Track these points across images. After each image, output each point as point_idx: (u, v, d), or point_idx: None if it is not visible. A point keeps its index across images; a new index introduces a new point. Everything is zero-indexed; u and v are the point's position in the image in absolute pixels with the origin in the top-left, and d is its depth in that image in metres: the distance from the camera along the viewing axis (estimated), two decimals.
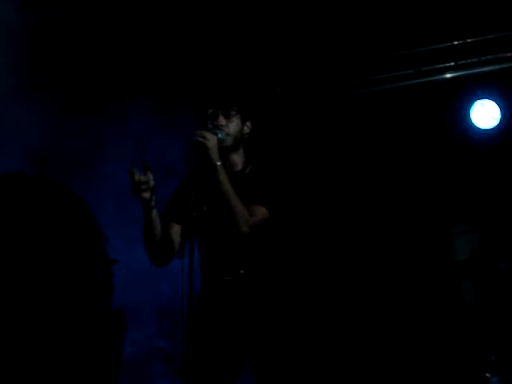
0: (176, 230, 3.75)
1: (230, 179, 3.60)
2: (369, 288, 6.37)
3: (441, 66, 6.05)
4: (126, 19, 5.59)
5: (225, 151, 3.73)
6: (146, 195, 3.49)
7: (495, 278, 6.12)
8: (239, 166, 3.83)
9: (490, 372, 5.49)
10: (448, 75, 6.07)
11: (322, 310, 6.38)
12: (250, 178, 3.78)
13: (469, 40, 5.85)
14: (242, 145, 3.84)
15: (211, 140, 3.54)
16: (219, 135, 3.64)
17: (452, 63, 6.01)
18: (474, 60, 5.95)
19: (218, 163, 3.54)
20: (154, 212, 3.57)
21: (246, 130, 3.82)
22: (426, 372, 6.06)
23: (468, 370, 5.87)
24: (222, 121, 3.73)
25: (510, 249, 6.10)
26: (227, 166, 3.73)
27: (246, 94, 3.94)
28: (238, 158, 3.83)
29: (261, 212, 3.66)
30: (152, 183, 3.50)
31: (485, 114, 6.01)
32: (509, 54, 5.81)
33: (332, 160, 6.51)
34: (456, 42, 5.90)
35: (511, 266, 6.06)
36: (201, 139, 3.52)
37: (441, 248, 6.33)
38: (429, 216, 6.35)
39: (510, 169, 6.10)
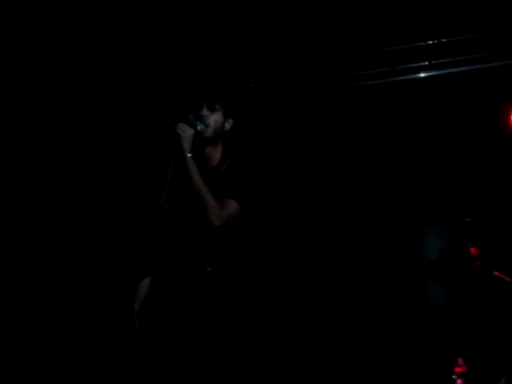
0: None
1: (204, 173, 3.62)
2: (336, 286, 6.35)
3: (415, 65, 6.03)
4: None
5: (203, 143, 3.76)
6: None
7: (464, 280, 6.11)
8: (215, 162, 3.84)
9: (457, 374, 5.49)
10: (422, 74, 6.05)
11: (290, 306, 6.35)
12: (225, 175, 3.79)
13: (444, 40, 5.83)
14: (221, 141, 3.84)
15: (186, 132, 3.58)
16: (198, 127, 3.68)
17: (426, 63, 6.00)
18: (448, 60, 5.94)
19: (189, 155, 3.57)
20: None
21: (227, 126, 3.84)
22: (393, 372, 6.04)
23: (435, 372, 5.85)
24: (205, 112, 3.75)
25: (479, 250, 6.09)
26: (203, 160, 3.77)
27: (232, 90, 4.02)
28: (215, 153, 3.84)
29: (232, 206, 3.67)
30: None
31: None
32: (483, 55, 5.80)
33: (304, 157, 6.49)
34: (430, 42, 5.88)
35: (480, 268, 6.05)
36: (177, 129, 3.56)
37: (410, 248, 6.33)
38: (399, 216, 6.34)
39: (481, 168, 6.11)
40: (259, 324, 5.76)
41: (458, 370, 5.35)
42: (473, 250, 5.65)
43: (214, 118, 3.77)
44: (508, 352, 5.53)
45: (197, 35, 5.68)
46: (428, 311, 6.22)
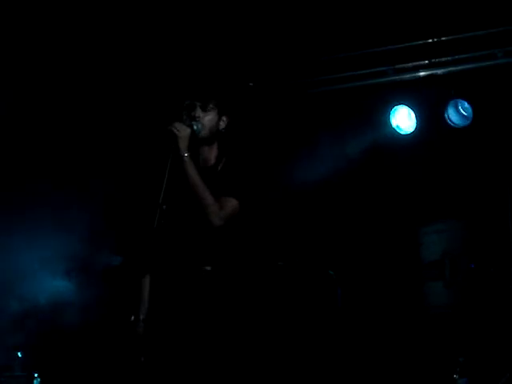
0: None
1: (202, 173, 3.59)
2: (336, 288, 6.31)
3: (414, 63, 6.00)
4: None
5: (199, 143, 3.72)
6: None
7: (465, 279, 6.10)
8: (212, 161, 3.80)
9: (458, 373, 5.47)
10: (422, 73, 6.02)
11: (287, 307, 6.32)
12: (223, 173, 3.75)
13: (443, 38, 5.80)
14: (217, 139, 3.80)
15: (183, 131, 3.55)
16: (194, 127, 3.65)
17: (426, 61, 5.98)
18: (448, 59, 5.91)
19: (186, 154, 3.55)
20: None
21: (222, 124, 3.79)
22: (393, 373, 6.01)
23: (436, 372, 5.83)
24: (199, 112, 3.70)
25: (480, 249, 6.07)
26: (200, 160, 3.73)
27: (225, 89, 3.95)
28: (211, 153, 3.79)
29: (232, 204, 3.64)
30: None
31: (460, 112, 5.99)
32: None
33: (301, 156, 6.47)
34: (430, 40, 5.86)
35: (481, 267, 6.03)
36: (173, 129, 3.53)
37: (411, 248, 6.29)
38: (399, 215, 6.31)
39: (482, 167, 6.07)
40: (259, 323, 5.75)
41: None
42: None
43: (208, 118, 3.72)
44: (508, 351, 5.52)
45: (194, 36, 5.68)
46: (427, 311, 6.19)
